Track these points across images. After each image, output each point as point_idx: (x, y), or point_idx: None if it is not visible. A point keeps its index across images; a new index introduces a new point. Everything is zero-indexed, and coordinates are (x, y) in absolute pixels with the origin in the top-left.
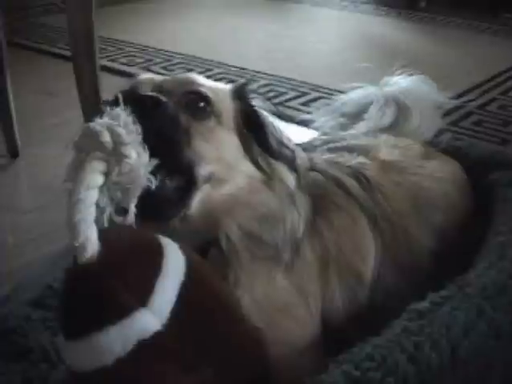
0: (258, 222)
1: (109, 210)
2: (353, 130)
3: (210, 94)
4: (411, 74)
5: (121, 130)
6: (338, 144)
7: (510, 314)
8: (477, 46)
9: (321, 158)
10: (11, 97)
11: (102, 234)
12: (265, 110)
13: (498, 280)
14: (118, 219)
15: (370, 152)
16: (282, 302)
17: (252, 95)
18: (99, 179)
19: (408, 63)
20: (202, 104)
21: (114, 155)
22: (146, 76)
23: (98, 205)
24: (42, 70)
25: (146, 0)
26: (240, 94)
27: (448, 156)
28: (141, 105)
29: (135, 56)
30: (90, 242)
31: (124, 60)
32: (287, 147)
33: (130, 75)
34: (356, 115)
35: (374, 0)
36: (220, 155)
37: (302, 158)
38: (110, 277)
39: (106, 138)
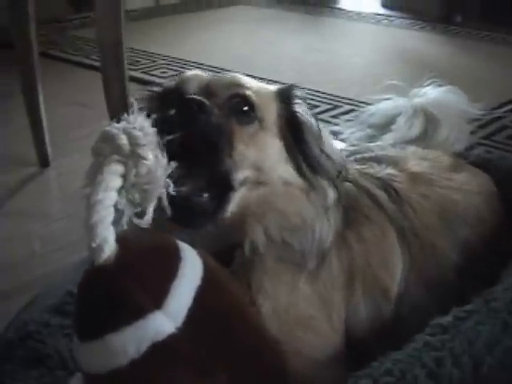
0: (288, 229)
1: (128, 212)
2: (380, 141)
3: (254, 98)
4: (440, 85)
5: (137, 133)
6: (365, 155)
7: None
8: (511, 59)
9: (353, 168)
10: (43, 108)
11: (120, 236)
12: (309, 116)
13: None
14: (137, 221)
15: (398, 163)
16: (304, 314)
17: (297, 100)
18: (117, 181)
19: (442, 76)
20: (246, 108)
21: (132, 157)
22: (192, 73)
23: (116, 207)
24: (76, 81)
25: (182, 14)
26: (285, 98)
27: (478, 168)
28: (185, 108)
29: (168, 68)
30: (108, 243)
31: (157, 72)
32: (331, 159)
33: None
34: (384, 126)
35: (409, 14)
36: (260, 160)
37: (346, 169)
38: (125, 277)
39: (123, 140)
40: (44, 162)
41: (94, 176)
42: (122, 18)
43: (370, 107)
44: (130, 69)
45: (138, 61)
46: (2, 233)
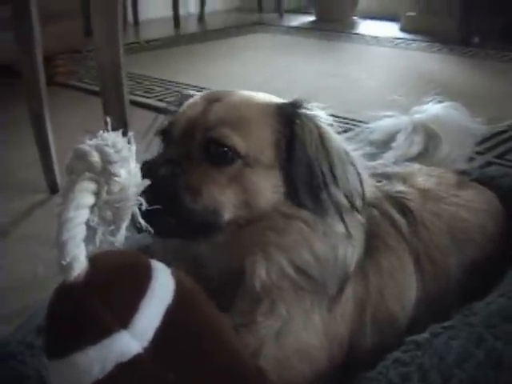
0: (300, 264)
1: (100, 229)
2: (381, 159)
3: (233, 140)
4: (441, 101)
5: (109, 150)
6: (374, 171)
7: None
8: None
9: (373, 185)
10: (51, 136)
11: (91, 255)
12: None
13: (505, 307)
14: (110, 239)
15: (407, 180)
16: (306, 343)
17: (302, 118)
18: (89, 199)
19: (458, 97)
20: (224, 149)
21: (104, 174)
22: (188, 105)
23: (89, 225)
24: (91, 109)
25: (201, 43)
26: (287, 118)
27: (482, 186)
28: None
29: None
30: (78, 261)
31: (171, 99)
32: (342, 187)
33: (166, 111)
34: (384, 144)
35: (428, 37)
36: (248, 198)
37: (363, 197)
38: (92, 296)
39: (95, 157)
40: (53, 189)
41: (66, 194)
42: (121, 42)
43: (370, 124)
44: (144, 96)
45: (152, 89)
46: (7, 256)
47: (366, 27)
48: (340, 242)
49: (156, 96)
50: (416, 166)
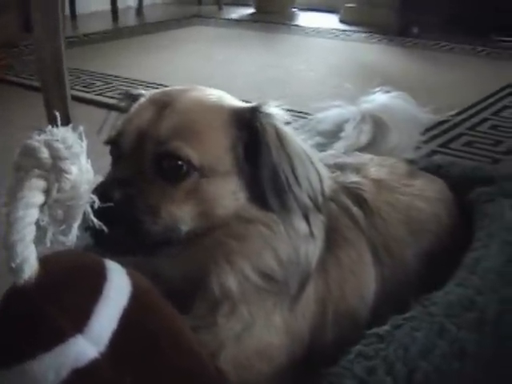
0: (264, 268)
1: (51, 229)
2: (330, 149)
3: (186, 151)
4: (389, 92)
5: (59, 145)
6: (326, 162)
7: (476, 332)
8: (469, 68)
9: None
10: None
11: (42, 256)
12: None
13: (465, 296)
14: (61, 239)
15: (360, 170)
16: (266, 342)
17: (261, 121)
18: (39, 197)
19: (396, 85)
20: (179, 163)
21: (54, 171)
22: (136, 112)
23: (39, 225)
24: (32, 105)
25: (140, 36)
26: (245, 121)
27: (430, 174)
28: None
29: (123, 90)
30: (28, 262)
31: (111, 94)
32: (304, 187)
33: (116, 109)
34: (333, 134)
35: (367, 29)
36: (205, 208)
37: (324, 194)
38: (44, 300)
39: (44, 153)
40: None
41: (14, 192)
42: (62, 36)
43: (317, 114)
44: (84, 91)
45: (93, 83)
46: None
47: (305, 19)
48: (302, 242)
49: (96, 90)
50: (367, 156)
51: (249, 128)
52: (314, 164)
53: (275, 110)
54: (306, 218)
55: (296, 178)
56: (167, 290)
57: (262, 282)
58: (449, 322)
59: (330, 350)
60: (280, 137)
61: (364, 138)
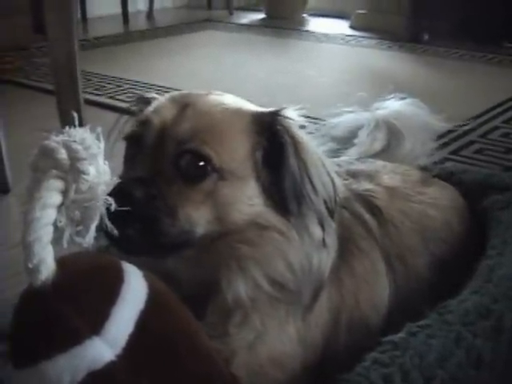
0: (275, 277)
1: (68, 230)
2: (344, 155)
3: (208, 151)
4: (403, 98)
5: (77, 146)
6: (340, 169)
7: (493, 340)
8: (480, 75)
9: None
10: (1, 134)
11: (59, 257)
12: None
13: (481, 304)
14: (78, 240)
15: (373, 178)
16: (280, 351)
17: (281, 127)
18: (56, 198)
19: (407, 92)
20: (199, 163)
21: (71, 172)
22: (157, 110)
23: (56, 225)
24: (41, 107)
25: (151, 40)
26: (264, 126)
27: (443, 181)
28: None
29: (134, 93)
30: (45, 263)
31: (123, 97)
32: (320, 193)
33: (129, 112)
34: (346, 140)
35: (378, 35)
36: (221, 212)
37: (338, 201)
38: (61, 301)
39: (62, 154)
40: (4, 189)
41: (31, 193)
42: (76, 38)
43: (331, 120)
44: (95, 94)
45: (104, 86)
46: None
47: (315, 24)
48: (315, 250)
49: (107, 93)
50: (380, 163)
51: (268, 133)
52: (329, 171)
53: (293, 116)
54: (322, 225)
55: (312, 184)
56: (179, 295)
57: (274, 291)
58: (465, 330)
59: (343, 356)
60: (297, 142)
61: (378, 145)
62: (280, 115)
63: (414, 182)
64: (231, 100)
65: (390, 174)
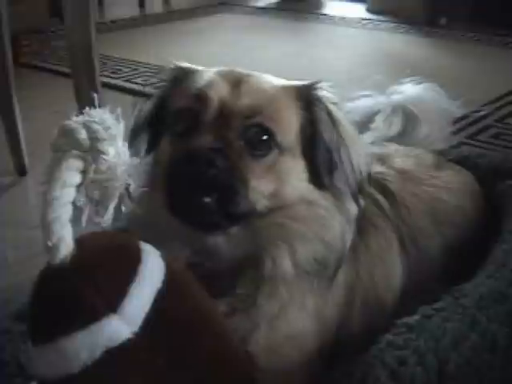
0: (317, 257)
1: (87, 210)
2: None
3: (273, 126)
4: (419, 83)
5: (97, 127)
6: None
7: (507, 324)
8: (498, 59)
9: None
10: (18, 116)
11: (79, 236)
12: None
13: (496, 289)
14: (97, 219)
15: (385, 160)
16: (297, 328)
17: (319, 102)
18: (76, 177)
19: (426, 77)
20: (264, 137)
21: (91, 152)
22: (211, 85)
23: (75, 204)
24: (58, 90)
25: (166, 23)
26: (306, 101)
27: (458, 165)
28: (195, 163)
29: (150, 76)
30: (64, 242)
31: (139, 80)
32: (356, 169)
33: (144, 95)
34: (362, 124)
35: (395, 18)
36: (278, 188)
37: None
38: (80, 279)
39: (82, 134)
40: (21, 171)
41: (51, 172)
42: (93, 23)
43: (347, 104)
44: (112, 77)
45: (120, 69)
46: None
47: (332, 8)
48: (347, 225)
49: (123, 77)
50: (393, 147)
51: (309, 106)
52: (364, 148)
53: (326, 91)
54: (356, 200)
55: (348, 157)
56: (211, 270)
57: (309, 264)
58: (480, 314)
59: (357, 337)
60: (332, 116)
61: (394, 130)
62: (316, 88)
63: (428, 165)
64: (271, 77)
65: (402, 158)
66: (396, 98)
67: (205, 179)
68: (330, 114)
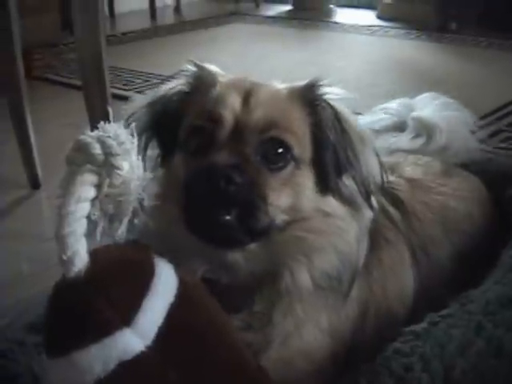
0: (333, 270)
1: (101, 223)
2: None
3: (289, 140)
4: (438, 97)
5: (111, 141)
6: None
7: None
8: (507, 64)
9: None
10: (31, 129)
11: (93, 250)
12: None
13: (503, 294)
14: (111, 233)
15: (394, 169)
16: (310, 344)
17: (323, 102)
18: (90, 192)
19: (437, 83)
20: (280, 150)
21: (105, 167)
22: (222, 101)
23: (90, 219)
24: (70, 103)
25: (178, 34)
26: (310, 103)
27: (466, 171)
28: (214, 180)
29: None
30: (79, 256)
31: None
32: (363, 167)
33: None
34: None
35: (405, 25)
36: (295, 201)
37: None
38: (94, 293)
39: (97, 149)
40: (34, 184)
41: (66, 186)
42: (103, 35)
43: (366, 117)
44: (124, 89)
45: (132, 81)
46: None
47: (342, 15)
48: (363, 236)
49: (135, 88)
50: (402, 155)
51: (313, 107)
52: (375, 148)
53: (331, 88)
54: (369, 203)
55: (356, 156)
56: (226, 286)
57: (323, 279)
58: (486, 319)
59: (368, 346)
60: (338, 115)
61: (415, 144)
62: (318, 87)
63: (436, 173)
64: (275, 83)
65: (411, 166)
66: (416, 114)
67: (224, 196)
68: (333, 110)
